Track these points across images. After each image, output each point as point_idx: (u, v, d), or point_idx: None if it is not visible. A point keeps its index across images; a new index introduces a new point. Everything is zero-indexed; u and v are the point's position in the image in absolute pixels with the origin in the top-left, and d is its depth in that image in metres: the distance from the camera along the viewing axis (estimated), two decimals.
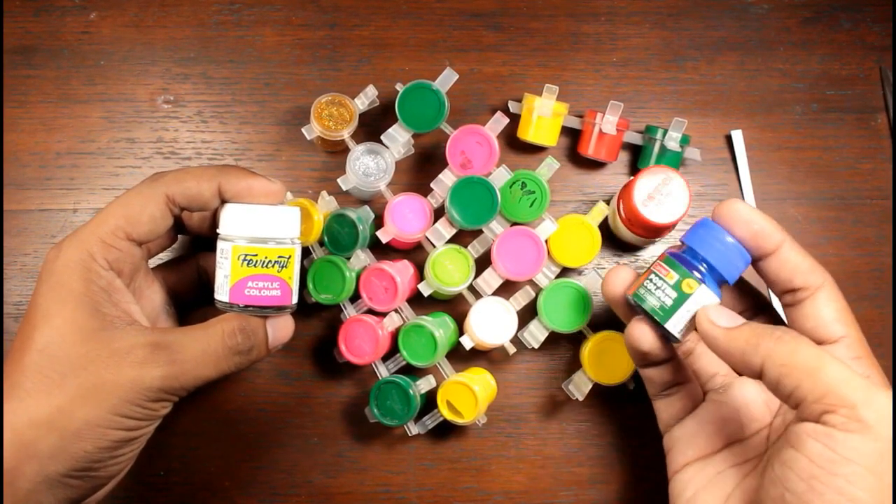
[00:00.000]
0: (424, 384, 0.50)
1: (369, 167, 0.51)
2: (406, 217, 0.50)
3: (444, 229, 0.50)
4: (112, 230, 0.40)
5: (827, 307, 0.39)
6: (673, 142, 0.52)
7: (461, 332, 0.51)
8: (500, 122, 0.50)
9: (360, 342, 0.50)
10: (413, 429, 0.51)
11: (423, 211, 0.50)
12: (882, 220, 0.55)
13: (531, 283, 0.50)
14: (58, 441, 0.38)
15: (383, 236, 0.50)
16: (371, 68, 0.55)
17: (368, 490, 0.53)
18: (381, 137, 0.51)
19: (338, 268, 0.50)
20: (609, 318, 0.51)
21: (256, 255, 0.42)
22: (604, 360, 0.49)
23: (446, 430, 0.53)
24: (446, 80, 0.50)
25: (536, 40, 0.56)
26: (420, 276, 0.52)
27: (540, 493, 0.53)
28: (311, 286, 0.50)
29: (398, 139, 0.51)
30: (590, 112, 0.53)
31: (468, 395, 0.49)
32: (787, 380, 0.36)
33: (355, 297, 0.51)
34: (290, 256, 0.43)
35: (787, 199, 0.55)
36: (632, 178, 0.49)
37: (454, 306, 0.54)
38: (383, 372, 0.51)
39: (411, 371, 0.52)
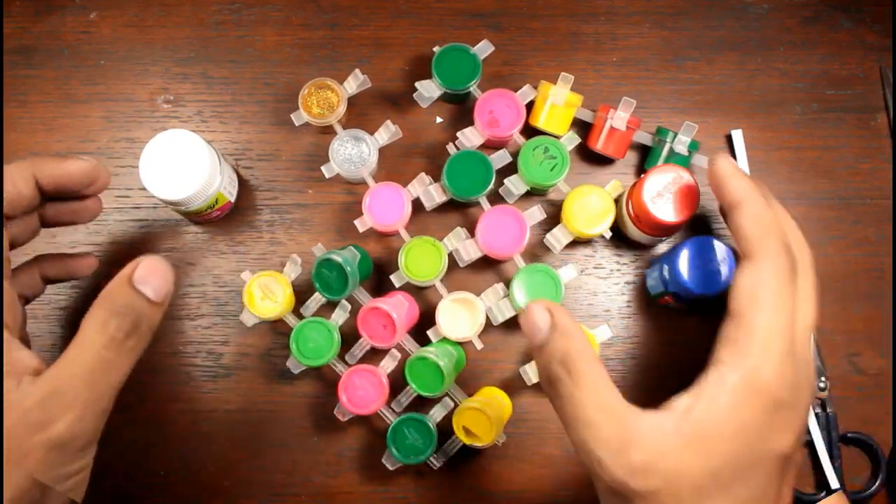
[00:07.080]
0: (439, 411, 0.50)
1: (352, 155, 0.51)
2: (384, 207, 0.51)
3: (437, 194, 0.51)
4: None
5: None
6: (682, 146, 0.52)
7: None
8: (527, 94, 0.52)
9: (364, 393, 0.50)
10: (437, 462, 0.51)
11: (402, 201, 0.51)
12: (882, 220, 0.55)
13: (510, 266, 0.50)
14: None
15: (360, 226, 0.51)
16: (371, 68, 0.55)
17: (368, 490, 0.53)
18: (416, 84, 0.52)
19: (323, 326, 0.50)
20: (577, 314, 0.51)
21: None
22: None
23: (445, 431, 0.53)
24: (483, 49, 0.52)
25: (536, 40, 0.56)
26: (419, 311, 0.53)
27: (540, 493, 0.53)
28: (295, 351, 0.50)
29: (428, 94, 0.52)
30: (603, 107, 0.53)
31: (483, 419, 0.49)
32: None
33: (343, 352, 0.51)
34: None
35: (787, 199, 0.55)
36: (642, 175, 0.49)
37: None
38: (392, 416, 0.51)
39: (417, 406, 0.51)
